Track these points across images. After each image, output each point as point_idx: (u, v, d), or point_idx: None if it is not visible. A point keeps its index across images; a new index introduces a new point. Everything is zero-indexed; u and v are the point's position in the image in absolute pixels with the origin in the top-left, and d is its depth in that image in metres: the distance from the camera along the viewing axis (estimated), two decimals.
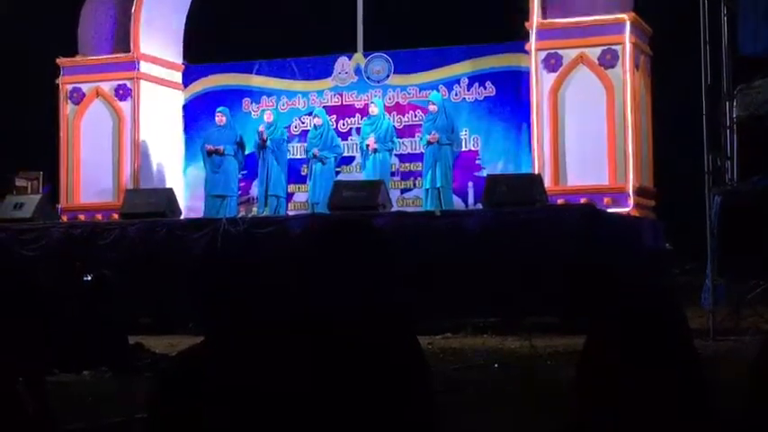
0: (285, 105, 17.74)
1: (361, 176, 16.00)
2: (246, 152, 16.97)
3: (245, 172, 17.28)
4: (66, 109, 17.49)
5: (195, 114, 17.95)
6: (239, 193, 17.10)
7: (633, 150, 14.99)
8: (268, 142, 16.10)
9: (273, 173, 16.11)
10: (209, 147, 16.29)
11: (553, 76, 15.33)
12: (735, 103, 12.66)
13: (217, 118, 16.56)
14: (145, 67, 17.47)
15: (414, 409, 2.73)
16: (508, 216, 13.00)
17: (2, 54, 19.42)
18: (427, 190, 15.53)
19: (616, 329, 3.02)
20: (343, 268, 2.79)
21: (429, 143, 15.44)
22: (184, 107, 18.25)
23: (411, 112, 17.07)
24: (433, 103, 15.78)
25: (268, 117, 16.54)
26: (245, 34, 18.32)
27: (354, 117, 17.26)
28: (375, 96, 16.96)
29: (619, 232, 13.50)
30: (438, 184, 15.30)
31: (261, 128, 16.45)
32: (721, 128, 12.61)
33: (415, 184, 16.78)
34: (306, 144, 16.65)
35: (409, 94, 17.12)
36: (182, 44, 18.36)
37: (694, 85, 12.45)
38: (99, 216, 16.52)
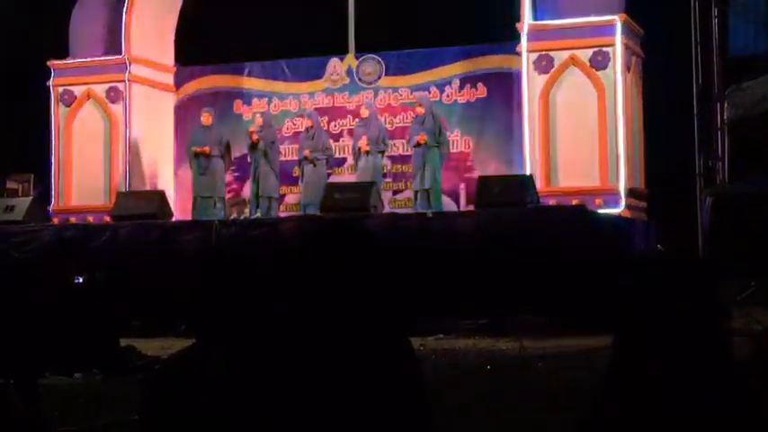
0: (276, 107, 17.72)
1: (353, 178, 15.99)
2: (238, 154, 16.96)
3: (236, 174, 17.26)
4: (58, 111, 17.46)
5: (187, 116, 17.91)
6: (231, 195, 17.06)
7: (624, 152, 14.99)
8: (260, 143, 16.06)
9: (264, 175, 16.06)
10: (196, 148, 16.26)
11: (544, 77, 15.33)
12: (725, 105, 12.70)
13: (202, 118, 16.51)
14: (136, 69, 17.43)
15: (406, 411, 2.73)
16: (500, 217, 12.99)
17: None
18: (416, 192, 15.52)
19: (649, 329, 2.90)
20: (334, 270, 2.79)
21: (417, 144, 15.44)
22: (176, 109, 18.22)
23: (403, 113, 17.06)
24: (420, 105, 15.77)
25: (258, 120, 16.53)
26: (237, 36, 18.26)
27: (346, 119, 17.26)
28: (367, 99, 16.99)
29: (610, 233, 13.50)
30: (427, 186, 15.29)
31: (251, 129, 16.42)
32: (712, 129, 12.64)
33: (406, 186, 16.76)
34: (297, 146, 16.63)
35: (401, 95, 17.13)
36: (173, 46, 18.33)
37: (685, 86, 12.48)
38: (90, 218, 16.48)
